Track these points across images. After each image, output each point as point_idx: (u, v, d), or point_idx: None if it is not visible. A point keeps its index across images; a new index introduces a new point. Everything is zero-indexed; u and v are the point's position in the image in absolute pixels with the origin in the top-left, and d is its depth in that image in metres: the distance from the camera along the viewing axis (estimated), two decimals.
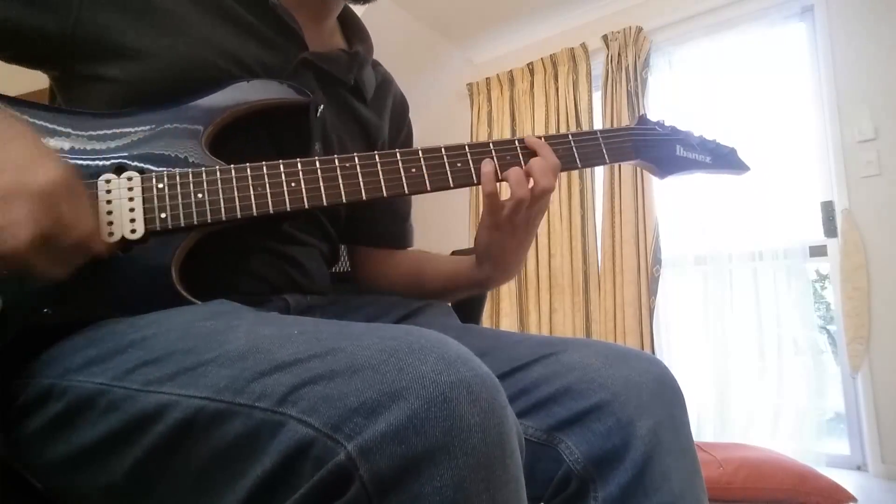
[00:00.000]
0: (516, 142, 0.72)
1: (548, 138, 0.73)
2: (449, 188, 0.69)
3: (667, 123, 0.84)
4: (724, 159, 0.86)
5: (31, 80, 0.84)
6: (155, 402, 0.43)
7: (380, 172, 0.66)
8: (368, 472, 0.34)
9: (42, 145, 0.52)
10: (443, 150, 0.69)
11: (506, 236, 0.72)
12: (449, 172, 0.68)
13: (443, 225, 2.97)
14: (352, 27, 0.85)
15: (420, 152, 0.68)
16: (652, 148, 0.80)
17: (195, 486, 0.42)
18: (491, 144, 0.71)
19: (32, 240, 0.46)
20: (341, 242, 0.86)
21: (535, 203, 0.70)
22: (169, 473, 0.43)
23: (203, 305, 0.55)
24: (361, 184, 0.65)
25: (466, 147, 0.70)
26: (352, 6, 0.82)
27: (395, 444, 0.35)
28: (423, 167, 0.67)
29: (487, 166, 0.69)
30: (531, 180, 0.70)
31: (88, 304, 0.55)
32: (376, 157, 0.66)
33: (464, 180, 0.69)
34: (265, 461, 0.38)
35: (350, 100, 0.79)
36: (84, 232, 0.51)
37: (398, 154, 0.67)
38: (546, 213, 2.78)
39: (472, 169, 0.69)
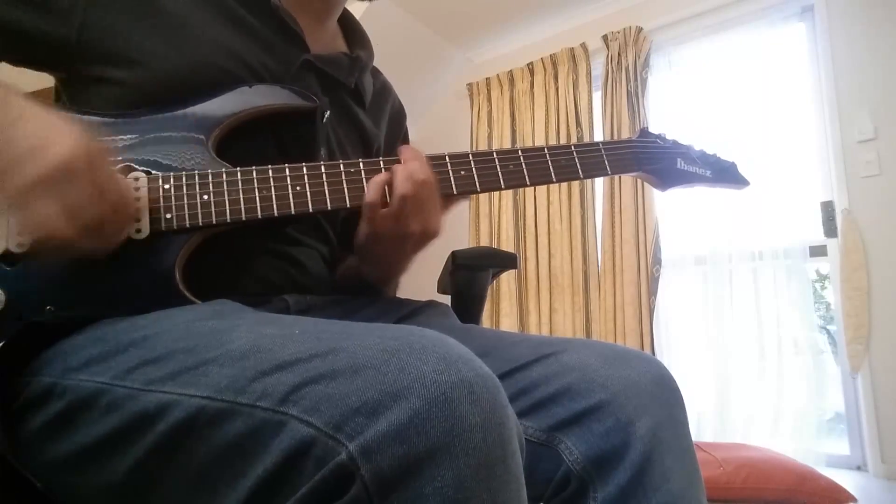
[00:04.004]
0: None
1: (550, 149, 0.74)
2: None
3: (668, 137, 0.85)
4: (724, 173, 0.88)
5: (35, 81, 0.84)
6: (156, 401, 0.43)
7: None
8: (370, 472, 0.34)
9: (50, 118, 0.51)
10: (447, 157, 0.69)
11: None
12: (452, 179, 0.69)
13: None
14: (353, 33, 0.85)
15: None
16: (653, 160, 0.81)
17: (196, 486, 0.42)
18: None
19: (76, 230, 0.49)
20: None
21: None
22: (170, 473, 0.43)
23: (204, 305, 0.55)
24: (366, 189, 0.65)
25: (470, 155, 0.70)
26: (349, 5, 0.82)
27: (396, 444, 0.35)
28: None
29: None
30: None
31: (91, 302, 0.55)
32: (381, 163, 0.66)
33: (466, 188, 0.69)
34: (266, 461, 0.38)
35: (350, 103, 0.79)
36: (113, 201, 0.52)
37: None
38: (545, 212, 2.80)
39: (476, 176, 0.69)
